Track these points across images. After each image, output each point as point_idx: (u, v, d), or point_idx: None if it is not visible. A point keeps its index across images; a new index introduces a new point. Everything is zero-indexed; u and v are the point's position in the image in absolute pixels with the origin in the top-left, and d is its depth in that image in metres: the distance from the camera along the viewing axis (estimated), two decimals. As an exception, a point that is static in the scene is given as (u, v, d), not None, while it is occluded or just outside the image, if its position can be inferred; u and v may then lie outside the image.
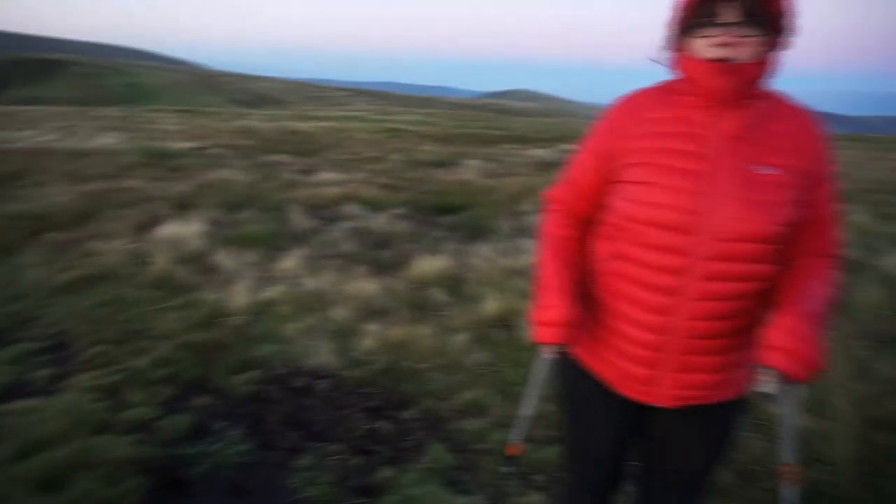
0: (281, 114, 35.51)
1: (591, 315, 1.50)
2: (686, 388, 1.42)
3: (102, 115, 24.53)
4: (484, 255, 5.16)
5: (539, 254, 1.56)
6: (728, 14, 1.21)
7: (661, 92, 1.38)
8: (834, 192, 1.36)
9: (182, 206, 6.78)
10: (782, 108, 1.33)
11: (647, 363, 1.41)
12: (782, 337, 1.23)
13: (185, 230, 5.57)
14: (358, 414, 3.05)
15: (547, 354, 1.51)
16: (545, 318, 1.44)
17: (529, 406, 1.62)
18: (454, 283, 4.59)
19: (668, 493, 1.62)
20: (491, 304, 4.02)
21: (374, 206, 7.37)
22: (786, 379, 1.22)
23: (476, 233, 6.27)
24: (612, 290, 1.44)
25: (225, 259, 4.93)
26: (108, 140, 13.62)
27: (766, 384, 1.23)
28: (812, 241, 1.37)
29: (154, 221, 6.06)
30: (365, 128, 23.13)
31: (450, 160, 12.88)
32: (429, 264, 4.73)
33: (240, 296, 4.17)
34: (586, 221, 1.56)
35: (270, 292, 4.29)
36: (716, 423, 1.51)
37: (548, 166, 11.95)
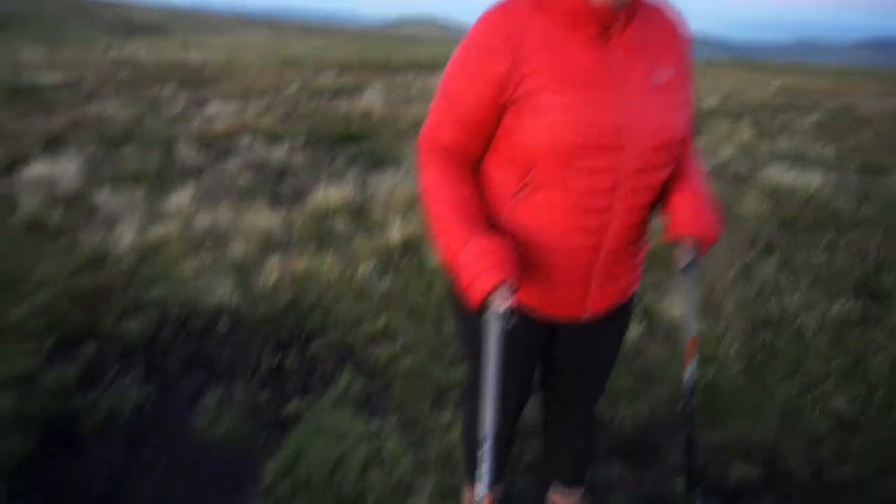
0: (164, 44, 32.78)
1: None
2: (610, 297, 1.44)
3: (-49, 46, 21.67)
4: (387, 184, 5.04)
5: (436, 220, 1.30)
6: None
7: (536, 4, 1.21)
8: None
9: (54, 144, 6.14)
10: (655, 11, 1.29)
11: (581, 283, 1.37)
12: (690, 206, 1.29)
13: (59, 169, 5.05)
14: (263, 350, 2.94)
15: (498, 308, 1.20)
16: (481, 266, 1.19)
17: (489, 396, 1.26)
18: (357, 213, 4.46)
19: (574, 399, 1.67)
20: (396, 232, 3.94)
21: (271, 137, 6.99)
22: (697, 245, 1.29)
23: (379, 162, 6.11)
24: (535, 223, 1.30)
25: (106, 199, 4.53)
26: (-41, 74, 12.06)
27: (682, 257, 1.31)
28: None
29: (21, 161, 5.46)
30: (259, 57, 21.77)
31: (350, 89, 12.41)
32: (330, 195, 4.56)
33: (126, 237, 3.86)
34: (478, 162, 1.38)
35: (160, 231, 4.00)
36: (618, 323, 1.55)
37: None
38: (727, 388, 2.64)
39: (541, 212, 1.28)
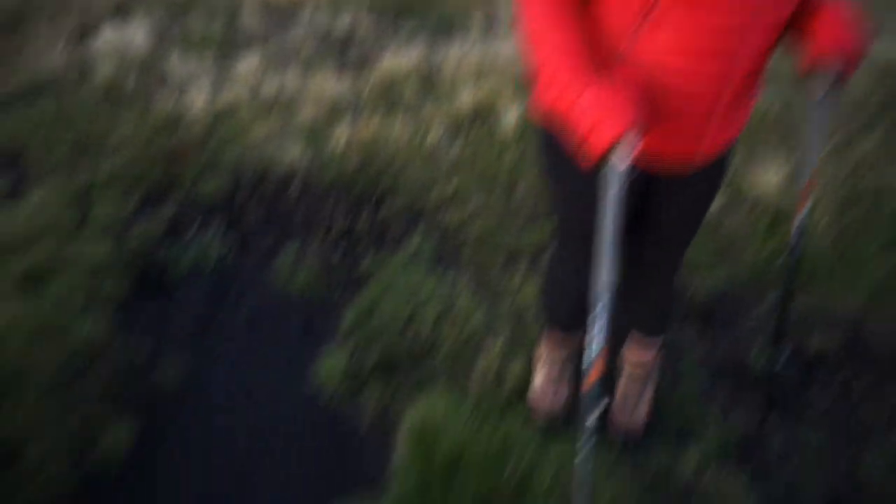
0: (220, -88, 31.48)
1: None
2: (720, 144, 1.33)
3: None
4: (455, 52, 4.82)
5: (544, 64, 1.15)
6: None
7: None
8: None
9: (121, 11, 6.12)
10: None
11: (698, 126, 1.24)
12: (832, 22, 1.16)
13: (129, 35, 5.05)
14: (335, 212, 2.98)
15: (620, 161, 1.08)
16: (603, 114, 1.05)
17: (607, 254, 1.17)
18: (425, 80, 4.31)
19: (660, 253, 1.62)
20: (466, 99, 3.81)
21: (334, 6, 6.74)
22: (844, 63, 1.17)
23: (446, 30, 5.83)
24: (656, 63, 1.15)
25: (176, 64, 4.52)
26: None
27: (822, 84, 1.22)
28: None
29: (93, 27, 5.48)
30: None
31: (414, -43, 11.72)
32: (398, 62, 4.41)
33: (197, 101, 3.88)
34: None
35: (230, 96, 3.99)
36: (715, 176, 1.46)
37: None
38: (815, 259, 2.52)
39: (663, 51, 1.13)
